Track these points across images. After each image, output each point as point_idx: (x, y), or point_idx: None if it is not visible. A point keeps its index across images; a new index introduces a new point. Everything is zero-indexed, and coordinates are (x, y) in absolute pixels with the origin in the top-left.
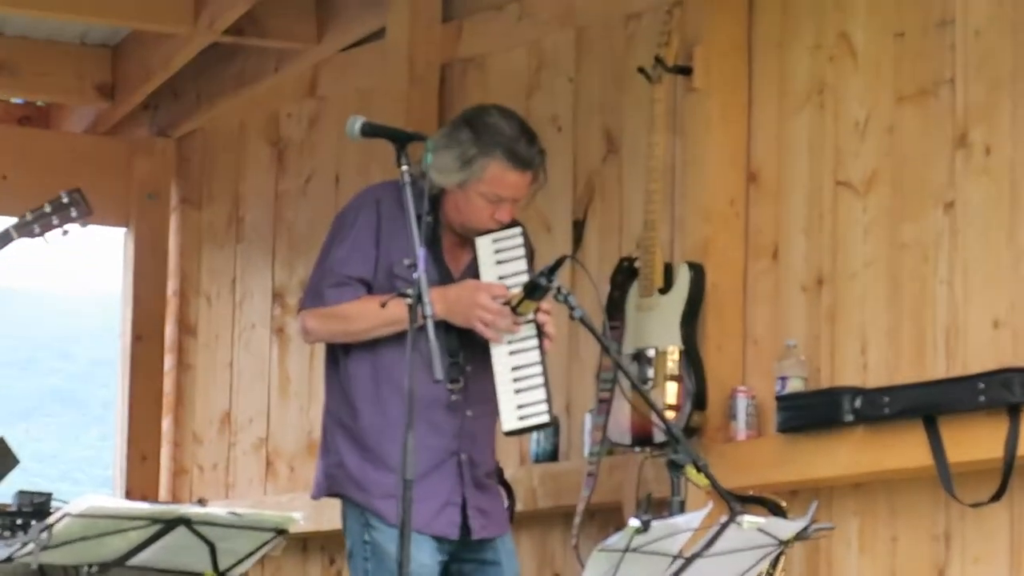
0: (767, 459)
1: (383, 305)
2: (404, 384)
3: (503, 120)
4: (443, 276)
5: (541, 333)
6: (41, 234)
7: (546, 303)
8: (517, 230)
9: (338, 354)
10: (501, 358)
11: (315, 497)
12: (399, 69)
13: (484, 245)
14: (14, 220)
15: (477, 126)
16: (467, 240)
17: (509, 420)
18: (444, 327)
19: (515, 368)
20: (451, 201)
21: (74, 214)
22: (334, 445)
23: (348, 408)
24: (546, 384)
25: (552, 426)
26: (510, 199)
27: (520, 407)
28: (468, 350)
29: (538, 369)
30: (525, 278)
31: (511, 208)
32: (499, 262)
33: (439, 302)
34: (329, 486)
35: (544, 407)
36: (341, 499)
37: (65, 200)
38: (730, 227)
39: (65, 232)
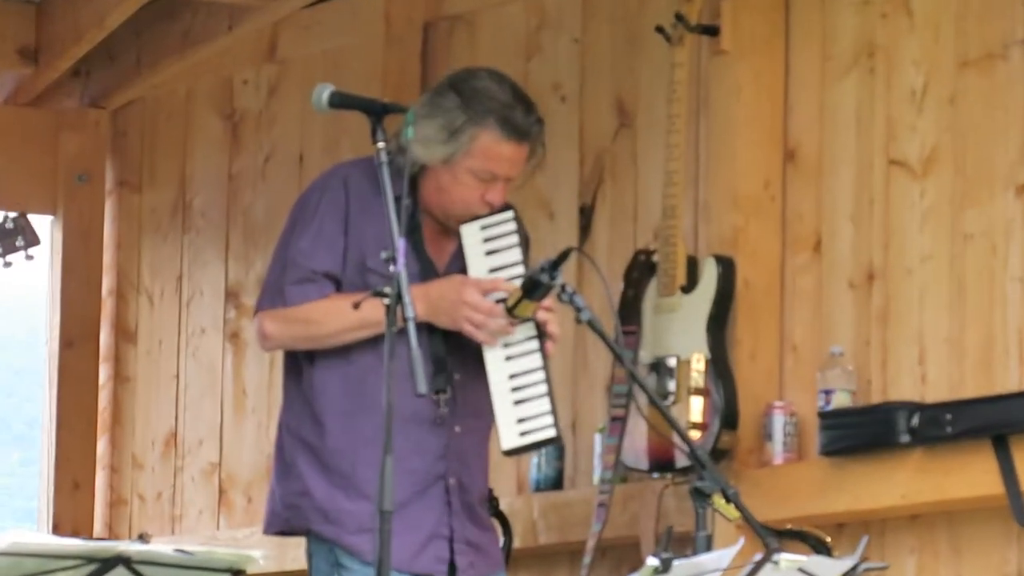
0: (808, 487)
1: (356, 306)
2: (382, 397)
3: (495, 84)
4: (425, 269)
5: (542, 334)
6: None
7: (548, 302)
8: (508, 214)
9: (300, 361)
10: (496, 365)
11: (269, 532)
12: (374, 28)
13: (471, 232)
14: None
15: (465, 91)
16: (449, 227)
17: (509, 437)
18: (428, 329)
19: (513, 376)
20: (433, 181)
21: (20, 243)
22: (296, 469)
23: (313, 425)
24: (550, 393)
25: (558, 442)
26: (503, 177)
27: (521, 421)
28: (456, 355)
29: (540, 376)
30: (520, 270)
31: (504, 188)
32: (489, 252)
33: (420, 301)
34: (289, 519)
35: (549, 420)
36: (306, 534)
37: (9, 226)
38: (764, 214)
39: (7, 264)
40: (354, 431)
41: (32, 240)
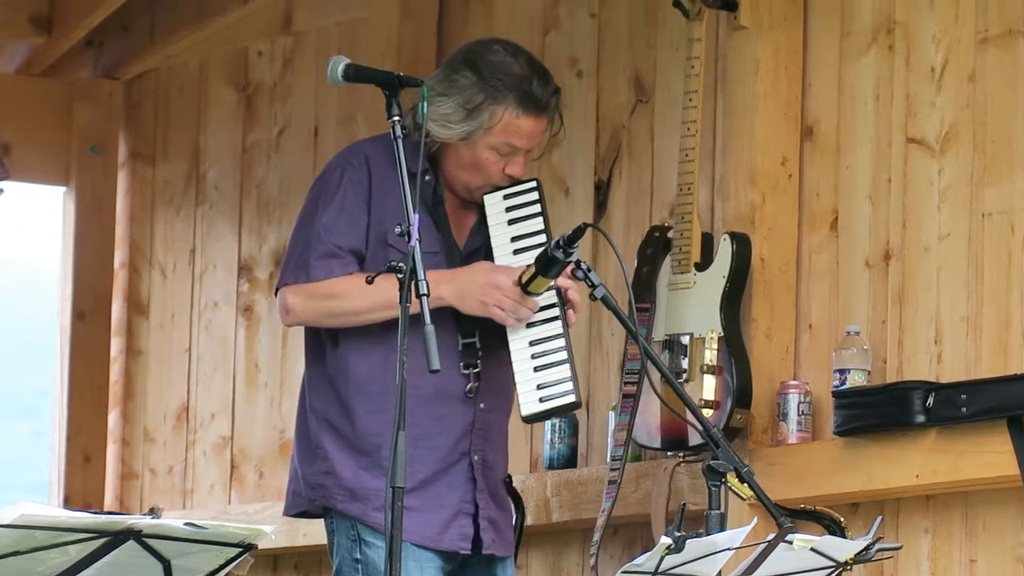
0: (823, 466)
1: (370, 280)
2: (409, 376)
3: (510, 57)
4: (447, 244)
5: (563, 301)
6: None
7: (564, 278)
8: (532, 184)
9: (324, 341)
10: (517, 332)
11: (290, 514)
12: (390, 0)
13: (494, 202)
14: None
15: (480, 66)
16: (471, 201)
17: (529, 403)
18: None
19: (533, 343)
20: (452, 157)
21: None
22: (321, 450)
23: (340, 408)
24: (570, 360)
25: (579, 407)
26: (523, 149)
27: (541, 387)
28: (483, 330)
29: (561, 343)
30: (542, 239)
31: (524, 159)
32: (512, 221)
33: (447, 284)
34: (313, 500)
35: (569, 386)
36: (327, 513)
37: None
38: (781, 192)
39: None
40: (380, 411)
41: (1, 174)
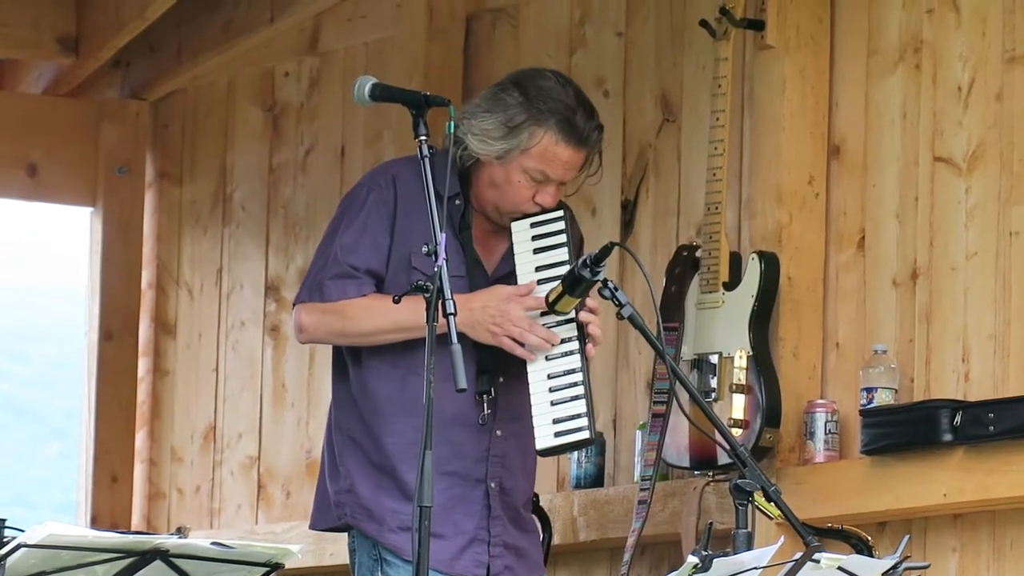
0: (850, 485)
1: (397, 300)
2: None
3: (559, 86)
4: (472, 268)
5: (584, 335)
6: None
7: (591, 300)
8: (559, 213)
9: (347, 360)
10: (536, 365)
11: (318, 528)
12: (416, 20)
13: (520, 230)
14: None
15: (528, 88)
16: (502, 226)
17: (544, 437)
18: None
19: (552, 376)
20: (485, 176)
21: None
22: (344, 468)
23: (363, 426)
24: (588, 395)
25: (592, 444)
26: (556, 179)
27: (556, 422)
28: (500, 358)
29: (578, 378)
30: (566, 270)
31: (556, 192)
32: (537, 250)
33: (460, 312)
34: (338, 516)
35: (584, 422)
36: (350, 530)
37: None
38: (808, 211)
39: None
40: (399, 432)
41: None
